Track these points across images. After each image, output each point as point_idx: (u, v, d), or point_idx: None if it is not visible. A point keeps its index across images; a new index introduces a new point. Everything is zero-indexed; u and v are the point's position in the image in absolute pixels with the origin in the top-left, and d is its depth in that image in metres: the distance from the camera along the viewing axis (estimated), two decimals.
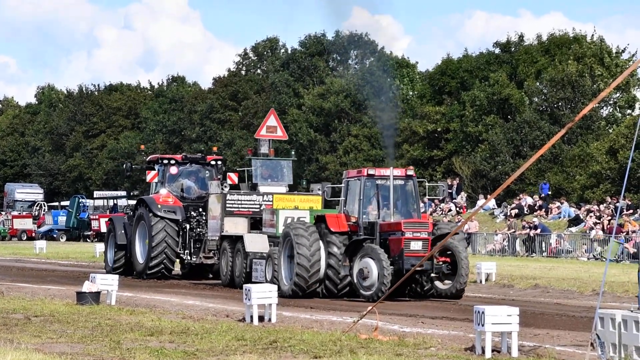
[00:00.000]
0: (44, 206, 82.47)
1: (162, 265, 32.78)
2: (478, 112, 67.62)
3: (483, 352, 14.90)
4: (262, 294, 19.39)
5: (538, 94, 65.38)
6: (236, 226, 30.37)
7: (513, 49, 71.38)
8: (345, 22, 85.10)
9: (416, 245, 24.46)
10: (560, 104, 63.22)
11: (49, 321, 19.07)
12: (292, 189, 34.18)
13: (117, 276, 24.03)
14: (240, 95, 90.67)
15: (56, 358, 13.71)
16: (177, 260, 33.79)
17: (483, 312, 15.02)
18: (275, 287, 19.99)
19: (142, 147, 45.72)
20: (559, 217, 48.85)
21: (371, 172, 25.46)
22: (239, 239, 29.53)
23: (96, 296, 22.48)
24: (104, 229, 68.84)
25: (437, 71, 74.59)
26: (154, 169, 34.75)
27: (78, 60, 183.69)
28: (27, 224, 76.91)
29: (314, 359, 14.36)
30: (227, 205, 30.65)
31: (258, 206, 30.84)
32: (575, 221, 46.50)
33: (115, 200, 73.62)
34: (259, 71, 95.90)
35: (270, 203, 30.68)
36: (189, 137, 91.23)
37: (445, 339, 16.86)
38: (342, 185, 26.16)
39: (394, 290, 24.21)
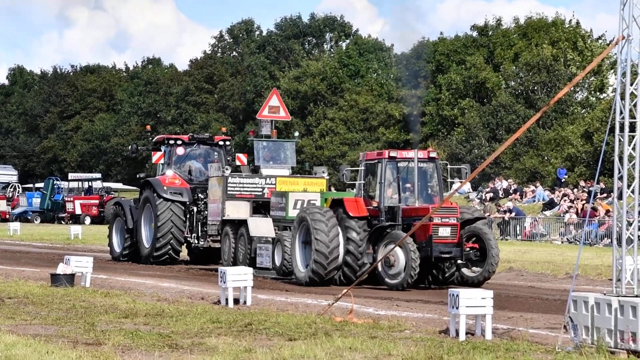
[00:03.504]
0: (18, 188, 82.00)
1: (169, 249, 31.51)
2: (454, 95, 67.75)
3: (457, 334, 14.97)
4: (237, 276, 19.37)
5: (514, 77, 65.56)
6: (238, 210, 29.27)
7: (490, 32, 71.50)
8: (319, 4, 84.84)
9: (445, 232, 23.28)
10: (535, 87, 63.45)
11: (23, 303, 19.00)
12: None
13: (91, 258, 23.90)
14: (215, 78, 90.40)
15: (30, 340, 13.66)
16: (185, 245, 32.41)
17: (457, 295, 15.08)
18: (250, 269, 19.91)
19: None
20: (534, 201, 49.07)
21: (393, 154, 24.34)
22: (242, 223, 28.46)
23: (70, 278, 22.40)
24: (78, 211, 68.68)
25: (413, 54, 74.60)
26: (160, 150, 33.36)
27: (49, 41, 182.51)
28: (1, 205, 76.46)
29: (289, 341, 14.38)
30: (229, 188, 29.50)
31: (260, 189, 29.74)
32: (549, 205, 46.73)
33: (90, 183, 73.27)
34: (234, 54, 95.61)
35: (273, 186, 29.59)
36: (164, 120, 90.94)
37: (420, 322, 16.92)
38: (360, 168, 24.90)
39: (417, 278, 23.28)
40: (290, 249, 25.38)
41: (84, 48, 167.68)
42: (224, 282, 19.23)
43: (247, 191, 29.71)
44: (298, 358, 12.81)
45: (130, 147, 36.00)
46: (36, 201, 74.58)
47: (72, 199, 69.61)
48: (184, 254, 33.27)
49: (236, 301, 19.27)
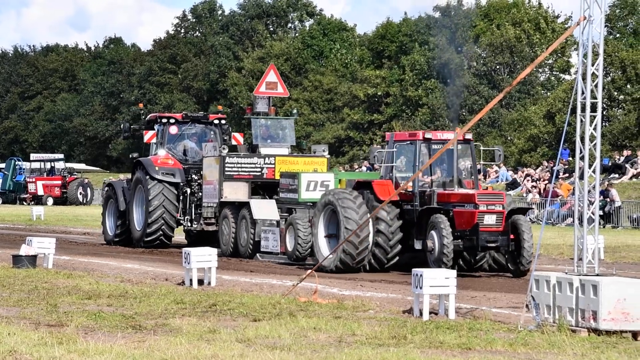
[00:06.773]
0: None
1: (161, 232, 30.15)
2: (418, 76, 67.88)
3: (421, 314, 15.05)
4: (202, 257, 19.34)
5: (477, 58, 65.80)
6: (236, 191, 27.93)
7: (453, 13, 71.62)
8: None
9: (490, 219, 21.89)
10: (498, 68, 63.72)
11: None
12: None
13: (54, 239, 23.71)
14: (179, 58, 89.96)
15: None
16: (181, 228, 31.08)
17: (421, 275, 15.15)
18: (215, 250, 19.88)
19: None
20: (497, 181, 49.36)
21: (428, 135, 23.16)
22: (242, 205, 27.09)
23: (33, 259, 22.22)
24: (40, 192, 68.17)
25: (377, 35, 74.61)
26: (153, 129, 31.80)
27: (7, 20, 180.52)
28: None
29: (253, 322, 14.39)
30: (226, 168, 28.16)
31: (259, 169, 28.45)
32: (512, 185, 47.03)
33: (52, 163, 72.76)
34: (197, 34, 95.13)
35: (272, 166, 28.34)
36: (127, 100, 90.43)
37: (384, 302, 16.99)
38: (390, 149, 23.54)
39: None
40: (304, 233, 24.38)
41: (43, 27, 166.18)
42: (188, 263, 19.19)
43: (245, 171, 28.38)
44: (262, 338, 12.83)
45: (122, 125, 34.26)
46: None
47: (34, 179, 69.07)
48: (181, 237, 32.01)
49: (200, 282, 19.24)
